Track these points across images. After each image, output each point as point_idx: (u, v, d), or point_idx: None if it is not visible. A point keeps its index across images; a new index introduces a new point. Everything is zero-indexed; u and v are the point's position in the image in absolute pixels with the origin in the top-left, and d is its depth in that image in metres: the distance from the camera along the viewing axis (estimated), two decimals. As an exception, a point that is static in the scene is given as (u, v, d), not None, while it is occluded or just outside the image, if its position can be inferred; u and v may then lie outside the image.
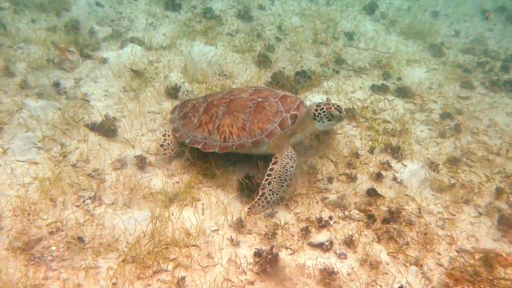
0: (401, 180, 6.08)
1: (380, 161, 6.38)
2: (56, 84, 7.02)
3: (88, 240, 4.62)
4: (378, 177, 6.05)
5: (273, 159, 5.57)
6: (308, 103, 7.57)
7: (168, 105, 7.10)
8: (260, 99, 5.81)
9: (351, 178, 6.00)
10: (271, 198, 5.32)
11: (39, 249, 4.45)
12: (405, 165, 6.37)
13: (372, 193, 5.68)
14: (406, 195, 5.84)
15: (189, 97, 7.03)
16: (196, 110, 6.09)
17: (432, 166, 6.48)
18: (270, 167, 5.50)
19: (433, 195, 5.99)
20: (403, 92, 8.36)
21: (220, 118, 5.79)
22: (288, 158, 5.51)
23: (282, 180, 5.38)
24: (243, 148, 5.65)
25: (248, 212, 5.30)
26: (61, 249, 4.51)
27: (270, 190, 5.35)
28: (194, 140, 5.87)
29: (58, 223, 4.75)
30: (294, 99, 5.91)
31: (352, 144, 6.69)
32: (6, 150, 5.47)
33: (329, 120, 5.70)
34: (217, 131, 5.74)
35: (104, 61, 8.01)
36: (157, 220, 4.93)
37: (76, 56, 7.87)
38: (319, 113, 5.64)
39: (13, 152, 5.49)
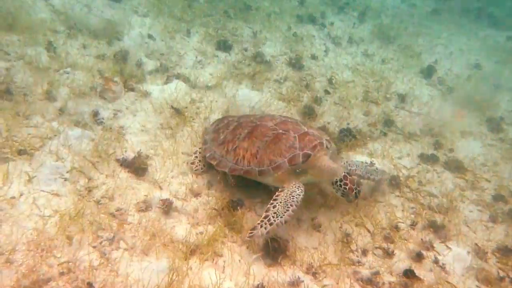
0: (443, 264, 5.55)
1: (421, 239, 5.88)
2: (95, 114, 6.89)
3: (99, 287, 4.30)
4: (418, 257, 5.55)
5: (279, 188, 5.51)
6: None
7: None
8: (280, 131, 5.79)
9: (388, 254, 5.53)
10: (274, 221, 5.09)
11: (45, 291, 4.16)
12: (449, 248, 5.83)
13: (409, 274, 5.19)
14: (448, 282, 5.30)
15: None
16: (227, 127, 6.29)
17: (480, 253, 5.89)
18: (276, 194, 5.38)
19: (478, 286, 5.41)
20: (454, 166, 7.84)
21: (241, 140, 5.91)
22: (295, 187, 5.43)
23: (287, 204, 5.22)
24: (250, 174, 5.67)
25: (248, 235, 5.04)
26: (69, 293, 4.21)
27: (274, 213, 5.17)
28: (213, 156, 6.07)
29: (70, 263, 4.47)
30: (313, 138, 5.71)
31: (392, 215, 6.22)
32: (32, 178, 5.28)
33: (342, 195, 5.64)
34: (233, 152, 5.86)
35: (146, 94, 7.88)
36: (174, 274, 4.57)
37: (119, 87, 7.77)
38: (339, 185, 5.58)
39: (39, 181, 5.30)
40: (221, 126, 6.43)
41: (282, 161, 5.54)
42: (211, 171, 6.23)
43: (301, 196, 5.34)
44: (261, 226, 5.08)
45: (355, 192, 5.49)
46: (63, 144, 5.96)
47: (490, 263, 5.85)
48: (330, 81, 10.31)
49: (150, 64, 9.08)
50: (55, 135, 6.09)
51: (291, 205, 5.22)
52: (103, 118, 6.91)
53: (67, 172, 5.55)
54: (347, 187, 5.48)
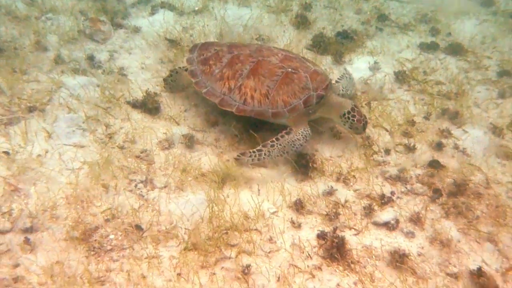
0: (463, 148, 5.76)
1: (439, 128, 6.03)
2: (91, 58, 6.74)
3: (146, 228, 4.46)
4: (439, 146, 5.73)
5: (288, 129, 5.43)
6: (352, 68, 7.22)
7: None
8: (290, 69, 5.55)
9: (410, 149, 5.70)
10: (263, 158, 5.22)
11: (97, 238, 4.31)
12: (466, 132, 6.02)
13: (434, 164, 5.38)
14: (471, 164, 5.52)
15: None
16: (219, 60, 5.82)
17: (496, 131, 6.11)
18: (281, 134, 5.37)
19: (499, 163, 5.67)
20: (455, 49, 7.88)
21: (244, 77, 5.55)
22: (301, 135, 5.36)
23: (284, 151, 5.27)
24: (262, 116, 5.49)
25: (236, 157, 5.26)
26: (120, 238, 4.36)
27: (268, 151, 5.23)
28: (212, 92, 5.66)
29: (113, 209, 4.58)
30: (324, 78, 5.62)
31: (406, 110, 6.32)
32: (51, 134, 5.26)
33: (350, 128, 5.58)
34: (238, 91, 5.52)
35: (136, 30, 7.65)
36: (214, 204, 4.71)
37: (108, 26, 7.52)
38: (348, 118, 5.51)
39: (58, 135, 5.28)
40: (209, 56, 5.93)
41: (297, 103, 5.43)
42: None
43: (302, 146, 5.35)
44: (250, 156, 5.21)
45: (363, 124, 5.50)
46: (70, 95, 5.87)
47: (507, 138, 6.08)
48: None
49: (131, -3, 8.72)
50: (60, 87, 6.00)
51: (287, 152, 5.27)
52: (100, 62, 6.77)
53: (83, 122, 5.53)
54: (355, 119, 5.47)
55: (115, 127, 5.60)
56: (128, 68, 6.76)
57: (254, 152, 5.23)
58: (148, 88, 6.16)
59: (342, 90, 6.06)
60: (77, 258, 4.11)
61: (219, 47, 6.03)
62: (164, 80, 6.29)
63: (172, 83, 6.28)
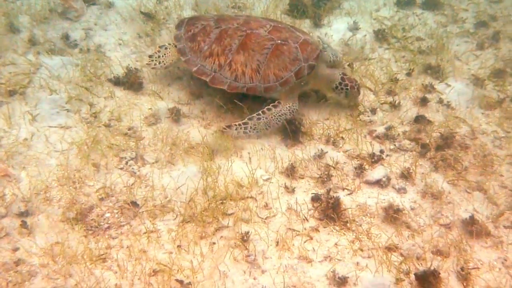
0: (448, 102, 5.84)
1: (422, 83, 6.10)
2: (66, 37, 6.59)
3: (142, 204, 4.46)
4: (423, 101, 5.80)
5: (276, 102, 5.42)
6: (331, 29, 7.19)
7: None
8: (279, 41, 5.47)
9: (395, 106, 5.76)
10: (249, 131, 5.26)
11: (94, 218, 4.32)
12: (449, 85, 6.11)
13: (420, 119, 5.45)
14: (456, 117, 5.62)
15: None
16: (207, 35, 5.68)
17: (478, 82, 6.20)
18: (268, 107, 5.38)
19: (483, 113, 5.79)
20: (431, 4, 7.90)
21: (234, 53, 5.46)
22: (288, 109, 5.38)
23: (269, 124, 5.29)
24: (254, 91, 5.43)
25: (222, 129, 5.28)
26: (116, 215, 4.37)
27: (254, 124, 5.27)
28: (202, 70, 5.56)
29: (106, 188, 4.57)
30: (314, 47, 5.56)
31: (388, 68, 6.36)
32: (36, 117, 5.18)
33: (345, 97, 5.61)
34: (228, 68, 5.45)
35: (110, 5, 7.47)
36: (207, 175, 4.72)
37: (79, 2, 7.33)
38: (341, 89, 5.56)
39: (43, 118, 5.21)
40: (197, 32, 5.76)
41: (289, 75, 5.38)
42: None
43: (288, 120, 5.31)
44: (236, 129, 5.24)
45: (357, 88, 5.57)
46: (50, 76, 5.76)
47: (488, 89, 6.19)
48: None
49: (99, -29, 8.49)
50: (38, 68, 5.90)
51: (272, 126, 5.28)
52: (75, 40, 6.63)
53: (66, 103, 5.46)
54: (348, 87, 5.51)
55: (99, 105, 5.54)
56: (105, 45, 6.64)
57: (240, 125, 5.25)
58: (128, 64, 6.07)
59: (332, 57, 6.02)
60: (76, 238, 4.11)
61: (206, 21, 5.87)
62: (150, 56, 5.98)
63: (159, 59, 5.94)
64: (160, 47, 6.02)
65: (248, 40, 5.48)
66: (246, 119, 5.28)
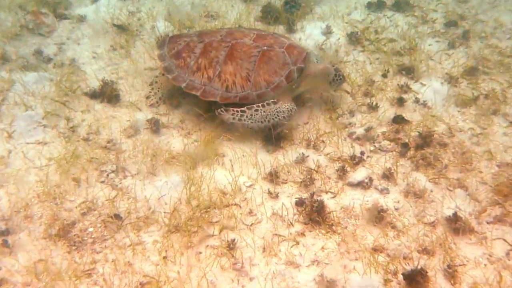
0: (424, 101, 5.93)
1: (397, 84, 6.19)
2: (39, 53, 6.51)
3: (125, 216, 4.40)
4: (400, 101, 5.88)
5: (275, 99, 5.42)
6: (305, 34, 7.27)
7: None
8: (265, 48, 5.48)
9: (373, 108, 5.81)
10: (245, 120, 5.24)
11: (77, 233, 4.25)
12: (424, 84, 6.21)
13: (398, 119, 5.52)
14: (433, 116, 5.70)
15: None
16: (192, 51, 5.62)
17: (452, 81, 6.32)
18: (267, 101, 5.37)
19: (459, 111, 5.88)
20: (401, 5, 8.05)
21: (222, 64, 5.43)
22: (286, 108, 5.37)
23: (267, 119, 5.26)
24: (247, 100, 5.40)
25: (219, 112, 5.28)
26: (99, 229, 4.31)
27: (251, 114, 5.26)
28: (192, 85, 5.47)
29: (88, 202, 4.51)
30: (301, 50, 5.62)
31: (364, 70, 6.44)
32: (12, 134, 5.09)
33: (337, 87, 5.83)
34: (218, 79, 5.40)
35: (81, 19, 7.42)
36: (191, 184, 4.69)
37: (51, 18, 7.27)
38: (337, 80, 5.72)
39: (19, 134, 5.13)
40: (181, 49, 5.69)
41: (280, 80, 5.39)
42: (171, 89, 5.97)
43: (285, 120, 5.31)
44: (232, 114, 5.24)
45: (343, 75, 5.79)
46: (25, 92, 5.67)
47: (462, 87, 6.31)
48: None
49: (69, -15, 8.41)
50: (12, 85, 5.79)
51: (268, 121, 5.24)
52: (49, 55, 6.55)
53: (43, 118, 5.38)
54: (342, 78, 5.73)
55: (77, 119, 5.47)
56: (80, 59, 6.57)
57: (237, 111, 5.22)
58: (104, 77, 6.00)
59: (316, 57, 6.05)
60: (59, 255, 4.04)
61: (189, 38, 5.81)
62: (147, 97, 5.87)
63: (156, 95, 5.85)
64: (150, 84, 5.94)
65: (234, 50, 5.48)
66: (244, 108, 5.25)
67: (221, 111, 5.24)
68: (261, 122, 5.23)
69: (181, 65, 5.59)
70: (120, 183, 4.77)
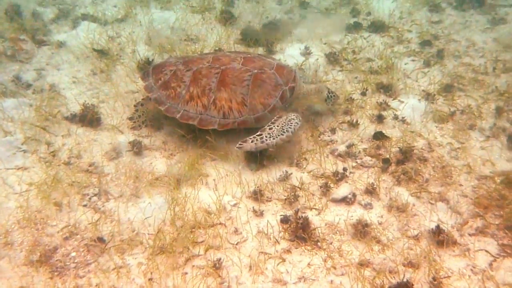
0: (403, 117, 6.04)
1: (376, 102, 6.30)
2: (17, 78, 6.47)
3: (109, 239, 4.33)
4: (379, 118, 5.98)
5: (278, 115, 5.47)
6: (285, 55, 7.38)
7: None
8: (256, 71, 5.52)
9: (353, 125, 5.89)
10: (266, 139, 5.16)
11: (59, 258, 4.15)
12: (402, 102, 6.33)
13: (379, 136, 5.60)
14: (412, 131, 5.80)
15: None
16: (181, 80, 5.56)
17: (429, 97, 6.48)
18: (274, 119, 5.41)
19: (437, 126, 6.01)
20: (377, 27, 8.30)
21: (215, 91, 5.42)
22: (293, 115, 5.44)
23: (284, 130, 5.25)
24: (246, 124, 5.43)
25: (238, 145, 5.16)
26: (82, 254, 4.22)
27: (269, 133, 5.22)
28: (187, 115, 5.45)
29: (70, 227, 4.43)
30: (289, 69, 5.72)
31: (343, 89, 6.54)
32: (-9, 160, 5.02)
33: (331, 105, 6.04)
34: (214, 106, 5.39)
35: (61, 45, 7.44)
36: (174, 204, 4.66)
37: (29, 44, 7.28)
38: (330, 98, 5.95)
39: (-1, 160, 5.05)
40: (169, 79, 5.62)
41: (275, 101, 5.47)
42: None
43: (299, 125, 5.35)
44: (252, 141, 5.15)
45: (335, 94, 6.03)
46: (3, 118, 5.61)
47: (439, 103, 6.47)
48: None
49: (48, 13, 8.48)
50: (-10, 112, 5.73)
51: (287, 131, 5.23)
52: (28, 81, 6.52)
53: (22, 144, 5.31)
54: (335, 95, 5.95)
55: (58, 144, 5.42)
56: (60, 84, 6.56)
57: (255, 137, 5.18)
58: (85, 101, 5.97)
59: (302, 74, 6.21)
60: (41, 281, 3.94)
61: (174, 66, 5.75)
62: (130, 119, 5.83)
63: (140, 119, 5.82)
64: (135, 106, 5.87)
65: (226, 75, 5.47)
66: (259, 132, 5.24)
67: (240, 144, 5.15)
68: (282, 134, 5.21)
69: (171, 95, 5.54)
70: (103, 206, 4.71)
